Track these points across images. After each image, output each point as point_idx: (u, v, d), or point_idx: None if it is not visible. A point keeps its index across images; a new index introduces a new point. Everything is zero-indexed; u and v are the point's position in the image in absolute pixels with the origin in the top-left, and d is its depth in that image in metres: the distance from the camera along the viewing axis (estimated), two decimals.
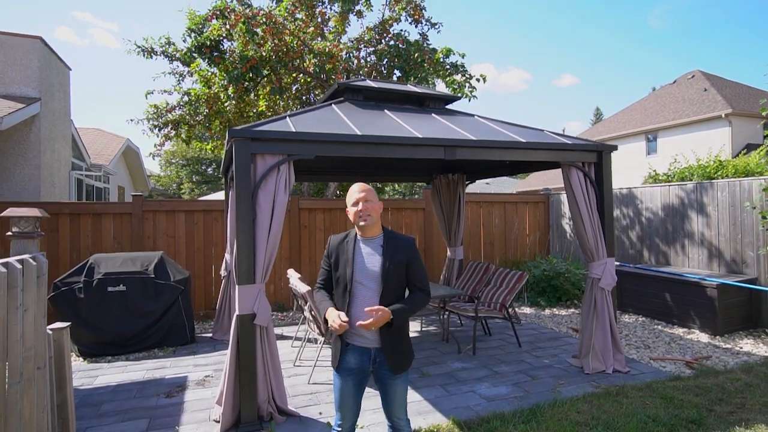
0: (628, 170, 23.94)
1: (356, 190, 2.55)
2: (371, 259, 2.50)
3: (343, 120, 4.35)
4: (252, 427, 3.53)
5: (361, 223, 2.51)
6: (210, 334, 6.32)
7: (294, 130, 3.77)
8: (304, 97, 9.79)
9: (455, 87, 8.32)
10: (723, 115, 21.37)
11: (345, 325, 2.35)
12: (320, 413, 3.79)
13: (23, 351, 1.97)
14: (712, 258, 6.71)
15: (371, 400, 3.82)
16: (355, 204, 2.52)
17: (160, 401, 4.11)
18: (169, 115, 9.15)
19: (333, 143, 3.86)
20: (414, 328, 6.57)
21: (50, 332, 2.67)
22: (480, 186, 32.70)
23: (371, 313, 2.33)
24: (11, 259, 1.89)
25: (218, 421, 3.60)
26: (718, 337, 5.89)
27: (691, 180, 8.34)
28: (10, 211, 2.30)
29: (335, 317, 2.38)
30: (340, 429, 2.55)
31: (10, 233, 2.21)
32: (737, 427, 3.41)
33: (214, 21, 7.97)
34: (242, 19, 7.53)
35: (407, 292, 2.57)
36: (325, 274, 2.63)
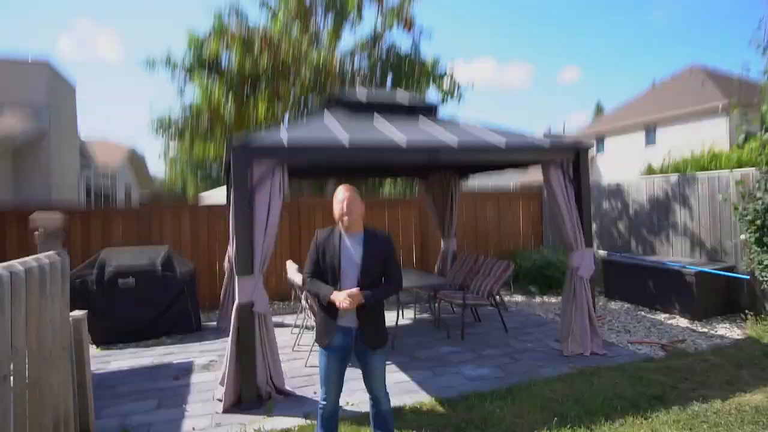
0: (627, 162, 24.07)
1: (340, 191, 2.91)
2: (354, 251, 2.85)
3: (334, 128, 4.65)
4: (252, 405, 3.89)
5: (345, 218, 2.85)
6: (215, 323, 6.70)
7: (287, 140, 4.08)
8: (302, 97, 10.09)
9: (444, 91, 8.63)
10: (720, 106, 21.47)
11: (358, 296, 2.69)
12: (315, 393, 4.14)
13: (51, 333, 2.32)
14: (695, 247, 6.98)
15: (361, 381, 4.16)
16: (340, 203, 2.87)
17: (169, 383, 4.48)
18: (172, 129, 9.56)
19: (324, 151, 4.18)
20: (408, 315, 6.91)
21: (70, 319, 3.03)
22: (481, 178, 32.94)
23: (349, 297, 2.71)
24: (40, 256, 2.23)
25: (221, 400, 3.96)
26: (696, 321, 6.18)
27: (685, 172, 8.56)
28: (36, 214, 2.64)
29: (343, 297, 2.70)
30: (325, 402, 2.90)
31: (36, 233, 2.54)
32: (695, 402, 3.72)
33: (212, 39, 8.29)
34: (239, 38, 7.85)
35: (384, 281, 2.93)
36: (313, 263, 2.96)
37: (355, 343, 2.84)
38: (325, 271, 2.89)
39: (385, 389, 2.95)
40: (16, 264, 1.96)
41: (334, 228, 2.96)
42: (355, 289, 2.73)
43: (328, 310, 2.83)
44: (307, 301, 4.92)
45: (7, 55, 9.05)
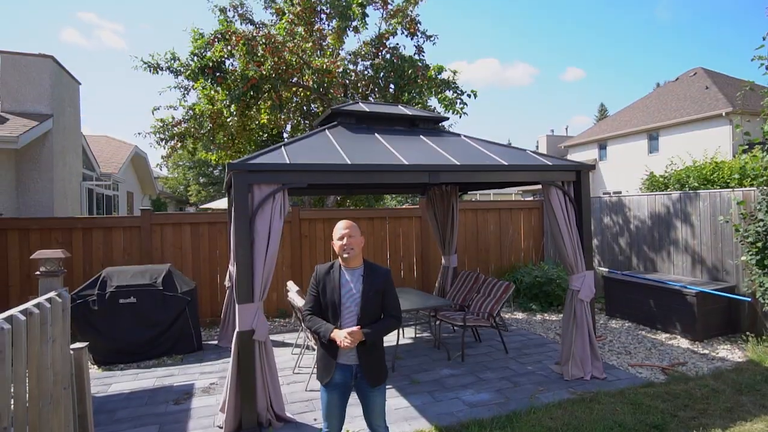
0: (630, 169, 24.08)
1: (341, 227, 2.92)
2: (354, 286, 2.87)
3: (335, 147, 4.68)
4: None
5: (345, 255, 2.87)
6: (216, 341, 6.70)
7: (288, 161, 4.11)
8: (304, 107, 10.14)
9: (447, 103, 8.63)
10: (723, 114, 21.45)
11: (358, 335, 2.71)
12: (315, 419, 4.15)
13: (52, 376, 2.33)
14: (696, 265, 6.97)
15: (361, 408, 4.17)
16: (341, 239, 2.89)
17: (169, 408, 4.48)
18: (175, 129, 9.53)
19: (324, 172, 4.20)
20: (408, 335, 6.91)
21: (71, 352, 3.04)
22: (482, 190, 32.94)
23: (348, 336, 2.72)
24: (41, 299, 2.24)
25: (221, 427, 3.96)
26: (697, 342, 6.17)
27: (687, 182, 8.52)
28: (38, 254, 2.65)
29: (343, 335, 2.71)
30: None
31: (38, 273, 2.57)
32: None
33: (216, 43, 8.31)
34: (242, 41, 7.88)
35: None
36: (313, 300, 2.98)
37: (355, 379, 2.86)
38: (325, 307, 2.91)
39: (385, 423, 2.96)
40: (17, 313, 1.98)
41: (333, 263, 2.98)
42: (355, 328, 2.75)
43: (329, 347, 2.85)
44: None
45: (10, 49, 9.09)
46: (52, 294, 2.41)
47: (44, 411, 2.23)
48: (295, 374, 5.33)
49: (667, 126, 24.25)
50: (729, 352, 5.77)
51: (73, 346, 3.14)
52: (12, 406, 1.89)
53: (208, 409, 4.46)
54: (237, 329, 3.94)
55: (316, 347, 3.12)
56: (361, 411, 3.00)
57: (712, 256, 6.71)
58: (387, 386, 4.83)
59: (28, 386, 2.10)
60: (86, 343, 3.25)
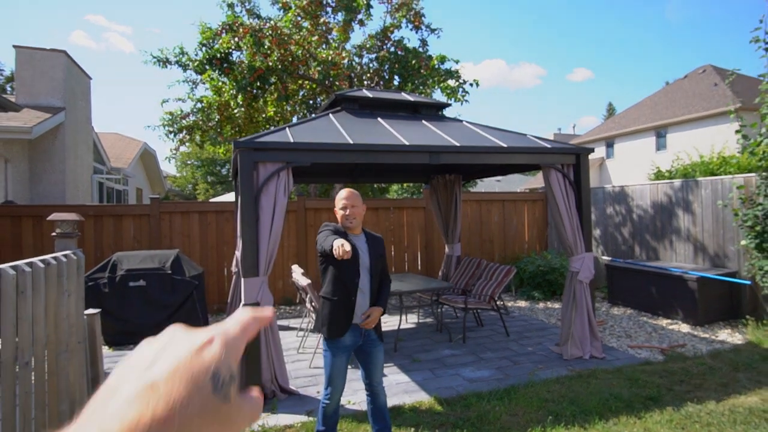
0: (637, 167, 24.00)
1: (343, 196, 3.04)
2: (362, 252, 3.00)
3: (338, 129, 4.81)
4: None
5: (348, 224, 3.00)
6: None
7: (292, 140, 4.24)
8: (310, 101, 10.29)
9: (449, 92, 8.74)
10: (733, 110, 21.32)
11: (377, 314, 2.95)
12: (318, 392, 4.26)
13: (68, 327, 2.47)
14: (698, 253, 7.01)
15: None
16: (343, 209, 3.01)
17: None
18: (184, 121, 9.72)
19: (327, 151, 4.33)
20: (411, 320, 7.01)
21: (85, 316, 3.19)
22: (490, 183, 32.94)
23: (367, 315, 2.97)
24: (58, 254, 2.39)
25: None
26: (698, 327, 6.21)
27: (693, 177, 8.55)
28: (54, 215, 2.80)
29: (339, 244, 2.65)
30: (329, 400, 3.02)
31: (54, 233, 2.71)
32: (689, 403, 3.78)
33: (223, 35, 8.48)
34: (250, 32, 8.05)
35: None
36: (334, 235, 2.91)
37: (363, 338, 3.00)
38: (341, 266, 2.93)
39: (383, 383, 3.08)
40: (36, 261, 2.12)
41: (337, 226, 3.07)
42: (374, 311, 2.96)
43: (345, 310, 2.95)
44: (312, 305, 5.05)
45: (25, 44, 9.32)
46: (68, 251, 2.55)
47: (61, 358, 2.37)
48: (299, 353, 5.45)
49: (675, 123, 24.13)
50: (729, 336, 5.82)
51: (85, 311, 3.29)
52: (32, 346, 2.03)
53: None
54: (242, 302, 4.07)
55: (318, 308, 3.23)
56: (361, 383, 3.13)
57: (714, 242, 6.76)
58: (389, 364, 4.96)
59: (46, 331, 2.24)
60: (99, 310, 3.40)
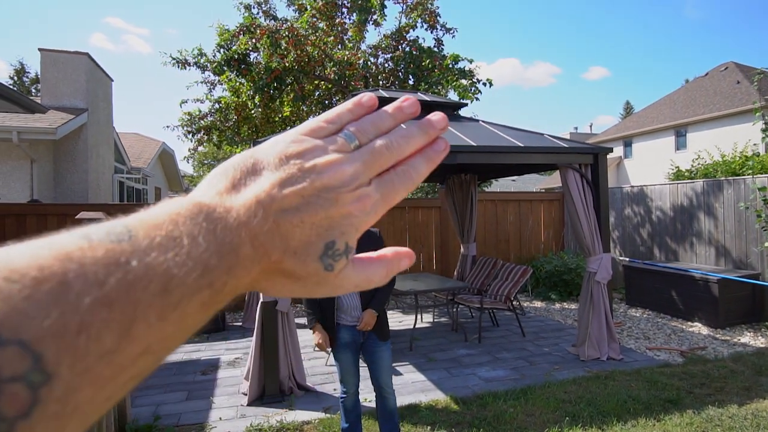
0: (656, 167, 23.59)
1: None
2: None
3: None
4: (274, 399, 4.08)
5: None
6: (240, 323, 6.94)
7: None
8: (326, 101, 10.36)
9: (461, 90, 8.72)
10: (758, 108, 20.82)
11: (371, 318, 2.93)
12: (334, 389, 4.31)
13: None
14: (720, 255, 6.89)
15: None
16: None
17: (197, 377, 4.72)
18: (202, 121, 9.87)
19: None
20: (426, 319, 7.02)
21: None
22: (505, 183, 32.70)
23: (361, 319, 2.95)
24: None
25: (246, 394, 4.16)
26: (719, 330, 6.10)
27: (715, 176, 8.39)
28: (82, 214, 2.89)
29: (319, 339, 2.94)
30: (345, 395, 3.05)
31: None
32: (710, 407, 3.73)
33: (241, 36, 8.59)
34: (267, 33, 8.14)
35: None
36: None
37: (363, 337, 3.00)
38: None
39: (392, 386, 3.07)
40: None
41: None
42: (365, 315, 2.92)
43: (321, 305, 2.98)
44: None
45: (48, 46, 9.58)
46: None
47: None
48: (316, 351, 5.50)
49: (696, 122, 23.65)
50: (751, 339, 5.71)
51: None
52: None
53: (233, 379, 4.67)
54: (261, 300, 4.14)
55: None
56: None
57: (736, 244, 6.63)
58: (404, 363, 4.98)
59: None
60: None
